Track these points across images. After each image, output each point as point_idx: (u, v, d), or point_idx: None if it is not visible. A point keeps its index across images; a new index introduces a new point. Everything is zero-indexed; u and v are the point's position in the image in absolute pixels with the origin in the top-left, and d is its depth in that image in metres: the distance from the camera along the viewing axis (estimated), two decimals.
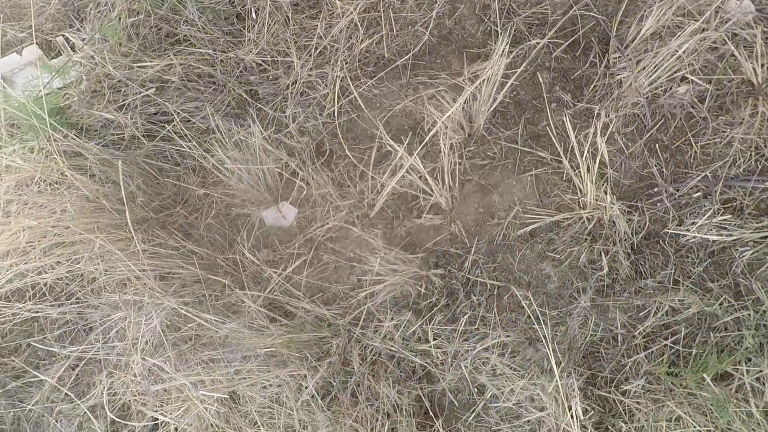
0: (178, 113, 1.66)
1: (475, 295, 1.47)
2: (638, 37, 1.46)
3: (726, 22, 1.37)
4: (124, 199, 1.40)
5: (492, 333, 1.44)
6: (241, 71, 1.78)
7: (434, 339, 1.42)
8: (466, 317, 1.44)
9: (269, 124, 1.73)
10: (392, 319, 1.42)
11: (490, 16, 1.65)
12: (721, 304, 1.33)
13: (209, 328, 1.47)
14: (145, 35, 1.80)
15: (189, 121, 1.72)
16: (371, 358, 1.46)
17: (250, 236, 1.65)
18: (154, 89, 1.71)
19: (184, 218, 1.66)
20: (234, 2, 1.78)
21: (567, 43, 1.58)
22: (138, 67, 1.74)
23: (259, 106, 1.74)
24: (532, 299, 1.41)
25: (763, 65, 1.36)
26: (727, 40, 1.35)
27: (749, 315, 1.28)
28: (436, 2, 1.69)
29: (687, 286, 1.36)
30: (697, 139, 1.44)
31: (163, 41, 1.82)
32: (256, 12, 1.77)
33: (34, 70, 1.81)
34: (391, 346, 1.42)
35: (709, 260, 1.38)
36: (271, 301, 1.55)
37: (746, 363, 1.27)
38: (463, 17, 1.69)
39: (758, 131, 1.38)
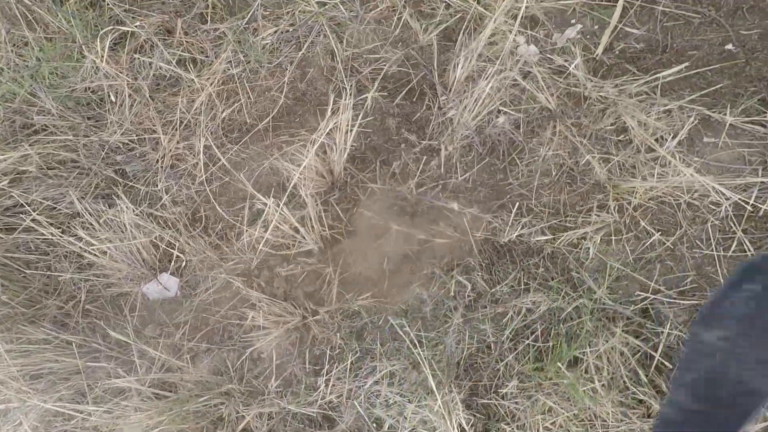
0: (40, 202, 1.44)
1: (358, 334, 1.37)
2: (456, 81, 1.51)
3: (517, 63, 1.46)
4: None
5: (379, 365, 1.34)
6: (106, 153, 1.60)
7: (325, 385, 1.29)
8: (352, 354, 1.34)
9: (142, 200, 1.56)
10: (278, 377, 1.28)
11: (336, 76, 1.64)
12: (563, 298, 1.34)
13: (95, 420, 1.23)
14: None
15: (54, 208, 1.50)
16: (267, 420, 1.29)
17: (133, 314, 1.44)
18: (8, 181, 1.48)
19: (58, 309, 1.41)
20: (91, 89, 1.62)
21: (404, 91, 1.60)
22: None
23: (130, 184, 1.57)
24: (408, 327, 1.34)
25: (552, 94, 1.45)
26: (519, 79, 1.43)
27: (585, 303, 1.31)
28: (287, 69, 1.65)
29: (535, 286, 1.37)
30: (521, 159, 1.49)
31: (17, 133, 1.60)
32: (115, 95, 1.61)
33: None
34: (285, 404, 1.28)
35: (545, 260, 1.40)
36: (161, 378, 1.34)
37: (588, 345, 1.27)
38: (314, 79, 1.66)
39: (559, 146, 1.46)
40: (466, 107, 1.48)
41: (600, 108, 1.43)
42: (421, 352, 1.29)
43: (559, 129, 1.44)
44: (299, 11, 1.66)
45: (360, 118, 1.51)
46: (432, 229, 1.45)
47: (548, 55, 1.49)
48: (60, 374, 1.33)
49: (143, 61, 1.59)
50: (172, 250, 1.47)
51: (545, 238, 1.37)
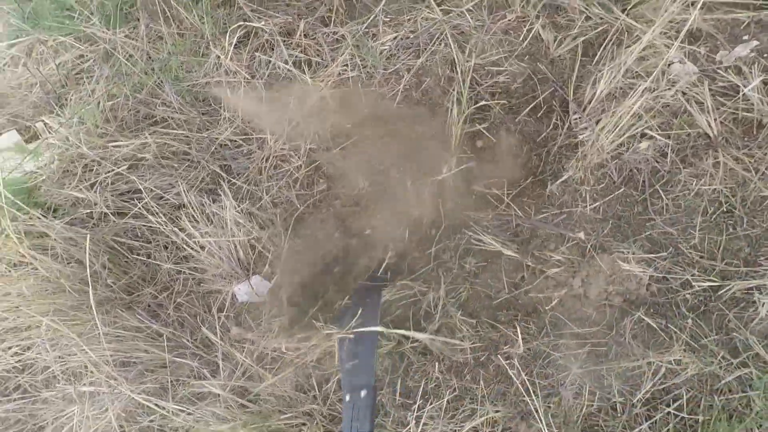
0: (151, 190, 1.47)
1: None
2: (594, 99, 1.35)
3: (674, 84, 1.27)
4: (89, 278, 1.15)
5: (480, 408, 1.17)
6: (216, 148, 1.61)
7: (415, 423, 1.14)
8: (450, 392, 1.18)
9: (243, 197, 1.54)
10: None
11: (454, 87, 1.54)
12: (719, 363, 1.09)
13: (172, 419, 1.17)
14: (123, 117, 1.64)
15: (162, 197, 1.52)
16: None
17: (221, 313, 1.39)
18: (127, 167, 1.52)
19: (153, 298, 1.40)
20: (211, 84, 1.65)
21: (528, 108, 1.46)
22: (113, 146, 1.56)
23: (233, 180, 1.56)
24: (519, 369, 1.16)
25: (715, 119, 1.24)
26: (680, 98, 1.24)
27: (754, 374, 1.05)
28: (403, 76, 1.58)
29: (681, 343, 1.14)
30: (667, 193, 1.28)
31: (140, 122, 1.66)
32: (232, 92, 1.63)
33: (10, 154, 1.62)
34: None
35: (694, 313, 1.16)
36: (243, 386, 1.27)
37: (758, 428, 1.01)
38: (430, 88, 1.57)
39: (722, 181, 1.23)
40: (603, 128, 1.31)
41: None
42: (534, 401, 1.10)
43: (722, 160, 1.22)
44: (422, 18, 1.60)
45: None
46: (546, 259, 1.27)
47: (712, 75, 1.28)
48: (148, 365, 1.30)
49: (262, 59, 1.60)
50: (267, 254, 1.42)
51: (701, 286, 1.14)
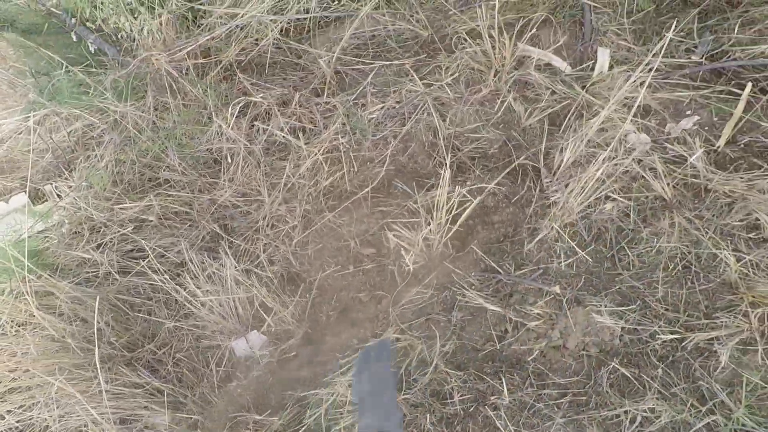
0: (154, 249, 1.56)
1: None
2: (562, 166, 1.51)
3: (631, 152, 1.44)
4: (95, 336, 1.22)
5: None
6: (216, 208, 1.73)
7: None
8: None
9: (242, 256, 1.64)
10: None
11: (438, 152, 1.70)
12: (689, 411, 1.19)
13: None
14: (129, 180, 1.76)
15: (164, 256, 1.61)
16: None
17: (219, 369, 1.45)
18: (132, 228, 1.62)
19: (152, 354, 1.46)
20: (212, 150, 1.79)
21: (505, 172, 1.61)
22: (119, 209, 1.67)
23: (232, 239, 1.66)
24: (506, 419, 1.23)
25: (668, 184, 1.40)
26: (635, 166, 1.40)
27: (720, 421, 1.14)
28: (390, 143, 1.74)
29: (653, 391, 1.23)
30: (632, 249, 1.41)
31: (145, 184, 1.78)
32: (231, 157, 1.77)
33: (20, 216, 1.71)
34: None
35: (664, 363, 1.27)
36: None
37: None
38: (415, 153, 1.73)
39: (678, 239, 1.37)
40: (572, 191, 1.46)
41: (726, 202, 1.35)
42: None
43: (677, 221, 1.36)
44: (406, 90, 1.78)
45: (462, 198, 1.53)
46: (527, 312, 1.38)
47: (662, 144, 1.46)
48: (147, 422, 1.34)
49: (261, 127, 1.75)
50: (265, 315, 1.50)
51: (667, 338, 1.25)
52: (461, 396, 1.30)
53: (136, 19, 1.62)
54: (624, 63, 1.60)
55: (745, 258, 1.28)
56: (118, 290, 1.52)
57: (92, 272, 1.54)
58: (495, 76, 1.70)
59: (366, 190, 1.68)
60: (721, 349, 1.21)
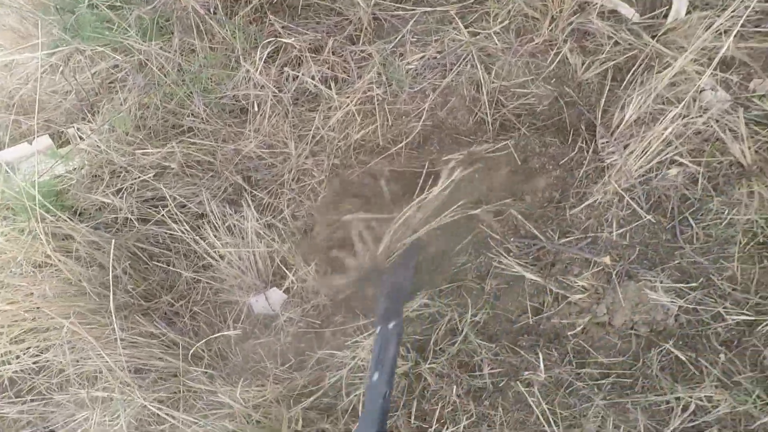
0: (174, 198, 1.49)
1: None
2: (622, 124, 1.34)
3: (706, 111, 1.26)
4: (110, 282, 1.16)
5: None
6: (240, 159, 1.64)
7: None
8: (467, 418, 1.14)
9: (265, 209, 1.55)
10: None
11: (480, 107, 1.55)
12: (754, 402, 1.05)
13: (184, 429, 1.16)
14: (152, 126, 1.68)
15: (184, 206, 1.54)
16: None
17: (236, 325, 1.39)
18: (153, 174, 1.55)
19: (169, 306, 1.41)
20: (238, 97, 1.69)
21: (554, 130, 1.46)
22: (140, 154, 1.60)
23: (255, 192, 1.57)
24: (540, 397, 1.12)
25: (749, 147, 1.22)
26: (714, 125, 1.22)
27: None
28: (428, 96, 1.60)
29: (712, 378, 1.09)
30: (698, 221, 1.25)
31: (168, 131, 1.70)
32: (258, 105, 1.67)
33: (43, 158, 1.67)
34: None
35: (727, 348, 1.12)
36: (254, 401, 1.25)
37: None
38: (455, 108, 1.59)
39: (757, 211, 1.20)
40: (632, 153, 1.30)
41: None
42: (554, 431, 1.06)
43: (757, 190, 1.19)
44: (449, 39, 1.62)
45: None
46: (569, 284, 1.25)
47: (745, 103, 1.27)
48: (162, 373, 1.30)
49: (291, 74, 1.63)
50: (286, 269, 1.42)
51: (734, 319, 1.10)
52: (491, 369, 1.19)
53: None
54: (705, 8, 1.39)
55: None
56: (137, 238, 1.47)
57: (111, 217, 1.49)
58: (551, 24, 1.52)
59: (400, 145, 1.55)
60: None
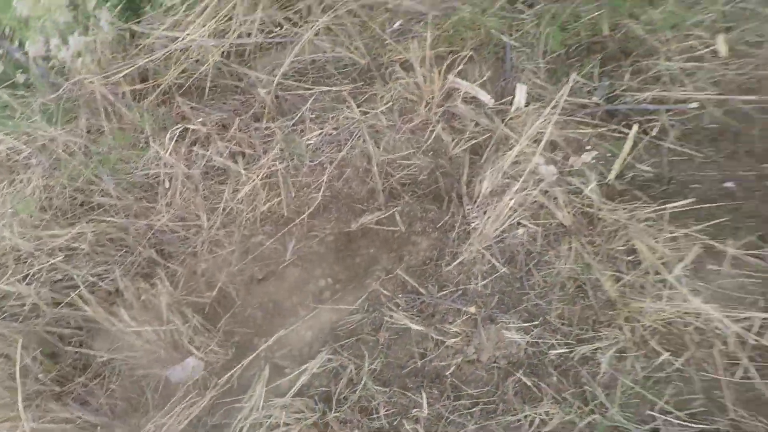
0: (86, 279, 1.56)
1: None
2: (481, 194, 1.67)
3: (540, 182, 1.63)
4: (17, 376, 1.22)
5: None
6: (153, 233, 1.74)
7: None
8: None
9: (178, 282, 1.67)
10: None
11: (372, 178, 1.81)
12: (575, 412, 1.39)
13: None
14: (59, 205, 1.73)
15: (96, 285, 1.61)
16: None
17: (155, 396, 1.49)
18: (63, 257, 1.60)
19: (84, 387, 1.47)
20: (148, 174, 1.80)
21: (432, 197, 1.75)
22: (48, 236, 1.64)
23: (169, 265, 1.69)
24: (425, 430, 1.38)
25: (568, 212, 1.60)
26: (540, 196, 1.59)
27: (598, 419, 1.35)
28: (326, 168, 1.82)
29: (548, 397, 1.42)
30: (538, 270, 1.60)
31: (77, 209, 1.76)
32: (169, 182, 1.79)
33: None
34: None
35: (558, 371, 1.46)
36: None
37: None
38: (350, 179, 1.83)
39: (573, 261, 1.57)
40: (489, 218, 1.63)
41: (612, 229, 1.56)
42: None
43: (574, 245, 1.56)
44: (343, 117, 1.87)
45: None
46: (446, 330, 1.53)
47: (566, 177, 1.66)
48: None
49: (200, 153, 1.78)
50: (201, 337, 1.55)
51: (561, 351, 1.45)
52: (386, 411, 1.43)
53: (66, 44, 1.59)
54: (538, 100, 1.78)
55: (624, 278, 1.49)
56: (46, 323, 1.51)
57: (18, 305, 1.52)
58: (426, 107, 1.84)
59: (303, 216, 1.76)
60: (602, 358, 1.42)
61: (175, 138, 1.72)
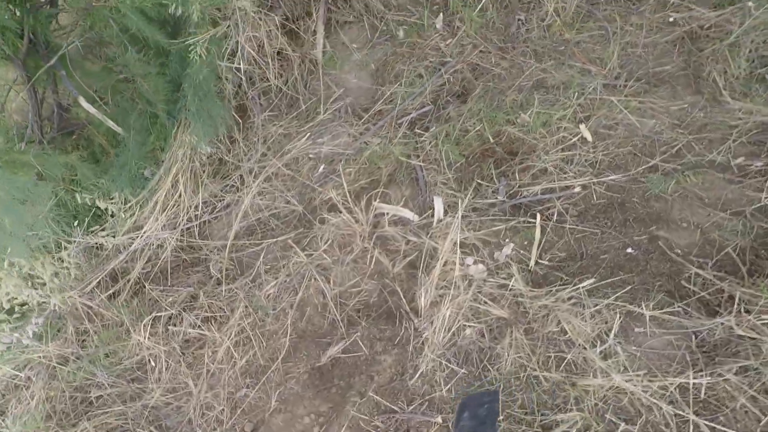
0: None
1: None
2: (424, 307, 1.85)
3: (472, 284, 1.81)
4: None
5: None
6: (149, 411, 1.91)
7: None
8: None
9: None
10: None
11: (329, 311, 2.00)
12: None
13: None
14: (62, 409, 1.91)
15: None
16: None
17: None
18: None
19: None
20: (134, 360, 2.00)
21: (385, 317, 1.93)
22: None
23: None
24: None
25: (503, 305, 1.77)
26: (479, 295, 1.77)
27: None
28: (288, 313, 2.03)
29: None
30: (492, 364, 1.75)
31: (78, 407, 1.94)
32: (154, 360, 1.99)
33: None
34: None
35: None
36: None
37: None
38: (311, 316, 2.02)
39: (520, 350, 1.72)
40: (435, 328, 1.80)
41: (543, 314, 1.73)
42: None
43: (515, 335, 1.72)
44: (293, 263, 2.10)
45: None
46: None
47: (494, 272, 1.85)
48: None
49: (174, 330, 1.99)
50: None
51: None
52: None
53: (36, 290, 1.86)
54: (455, 208, 2.02)
55: (566, 357, 1.64)
56: None
57: None
58: (360, 238, 2.07)
59: (276, 363, 1.94)
60: None
61: (151, 321, 1.94)
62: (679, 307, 1.56)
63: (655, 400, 1.50)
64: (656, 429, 1.50)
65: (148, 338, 1.92)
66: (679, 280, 1.62)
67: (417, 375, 1.78)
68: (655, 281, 1.65)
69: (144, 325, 1.92)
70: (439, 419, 1.67)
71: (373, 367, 1.88)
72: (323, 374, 1.93)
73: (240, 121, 2.34)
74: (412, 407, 1.74)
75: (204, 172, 2.23)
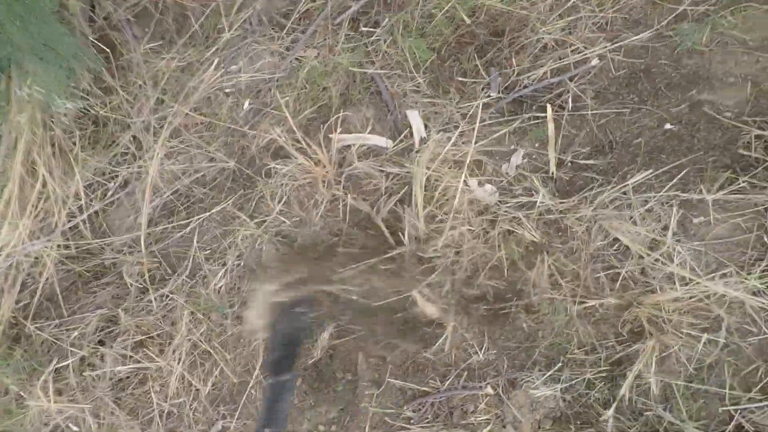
0: None
1: None
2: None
3: (487, 208, 1.37)
4: None
5: None
6: None
7: None
8: None
9: None
10: None
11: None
12: None
13: None
14: None
15: None
16: None
17: None
18: None
19: None
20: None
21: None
22: None
23: None
24: None
25: (532, 227, 1.37)
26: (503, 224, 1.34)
27: None
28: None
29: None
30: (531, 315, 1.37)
31: None
32: (77, 424, 1.38)
33: None
34: None
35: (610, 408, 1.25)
36: None
37: None
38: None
39: (561, 279, 1.35)
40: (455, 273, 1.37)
41: (583, 228, 1.35)
42: None
43: (547, 262, 1.34)
44: (241, 239, 1.52)
45: None
46: (473, 423, 1.28)
47: (508, 189, 1.42)
48: None
49: (95, 374, 1.38)
50: None
51: (600, 387, 1.23)
52: None
53: None
54: (437, 119, 1.52)
55: (620, 272, 1.29)
56: None
57: None
58: (324, 184, 1.52)
59: (255, 374, 1.42)
60: (646, 375, 1.22)
61: (52, 377, 1.31)
62: (744, 182, 1.24)
63: (736, 293, 1.21)
64: (742, 331, 1.22)
65: (55, 399, 1.30)
66: (736, 149, 1.30)
67: (434, 347, 1.36)
68: (708, 157, 1.32)
69: (43, 383, 1.28)
70: (489, 389, 1.29)
71: (381, 344, 1.43)
72: (321, 372, 1.46)
73: (111, 58, 1.59)
74: (447, 382, 1.34)
75: (74, 142, 1.50)
